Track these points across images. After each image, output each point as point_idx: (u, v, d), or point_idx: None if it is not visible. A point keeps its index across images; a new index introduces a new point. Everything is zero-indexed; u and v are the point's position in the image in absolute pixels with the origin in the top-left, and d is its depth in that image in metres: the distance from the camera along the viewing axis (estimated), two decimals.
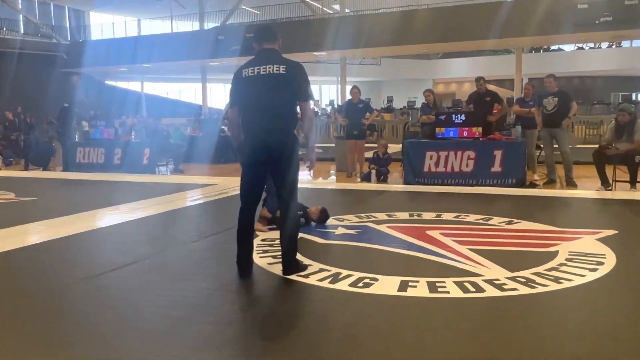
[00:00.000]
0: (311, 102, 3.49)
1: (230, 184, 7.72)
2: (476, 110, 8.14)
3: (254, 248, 4.18)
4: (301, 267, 3.61)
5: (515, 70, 20.36)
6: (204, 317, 2.80)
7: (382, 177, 8.56)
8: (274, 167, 3.45)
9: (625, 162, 6.71)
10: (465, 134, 7.67)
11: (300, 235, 4.61)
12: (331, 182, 9.11)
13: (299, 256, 3.94)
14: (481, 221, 5.09)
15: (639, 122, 6.70)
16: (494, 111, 8.57)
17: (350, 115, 9.03)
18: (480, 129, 7.60)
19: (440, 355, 2.38)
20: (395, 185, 8.09)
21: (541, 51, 30.46)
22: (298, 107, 3.51)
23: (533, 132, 8.03)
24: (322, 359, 2.33)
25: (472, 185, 7.39)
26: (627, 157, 6.62)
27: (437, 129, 7.81)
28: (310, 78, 3.57)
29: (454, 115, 7.76)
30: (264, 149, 3.39)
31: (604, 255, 3.83)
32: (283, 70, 3.35)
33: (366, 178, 8.62)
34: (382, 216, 5.44)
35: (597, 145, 7.49)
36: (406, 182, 7.96)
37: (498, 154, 7.39)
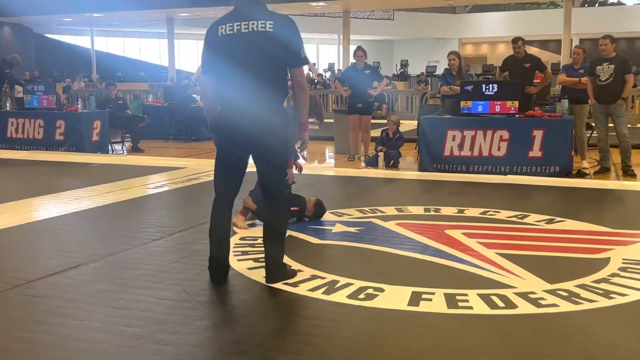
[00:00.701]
0: (305, 67, 3.47)
1: (203, 167, 7.73)
2: (512, 80, 8.13)
3: (231, 249, 4.22)
4: (289, 274, 3.63)
5: (564, 29, 20.28)
6: (165, 336, 2.81)
7: (392, 162, 8.58)
8: (256, 150, 3.44)
9: None
10: (497, 108, 7.67)
11: (290, 233, 4.66)
12: (328, 166, 9.12)
13: (286, 259, 3.97)
14: (514, 219, 5.12)
15: None
16: (535, 81, 8.59)
17: (353, 84, 9.01)
18: (516, 103, 7.60)
19: None
20: (408, 172, 8.11)
21: (596, 5, 30.40)
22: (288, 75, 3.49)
23: (583, 108, 8.03)
24: None
25: (505, 174, 7.41)
26: None
27: (462, 103, 7.81)
28: (303, 35, 3.55)
29: (483, 86, 7.75)
30: (244, 126, 3.38)
31: None
32: (270, 27, 3.33)
33: (372, 162, 8.64)
34: (390, 210, 5.46)
35: None
36: (422, 169, 7.98)
37: (538, 134, 7.40)
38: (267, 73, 3.37)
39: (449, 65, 8.60)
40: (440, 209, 5.50)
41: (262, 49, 3.33)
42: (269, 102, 3.38)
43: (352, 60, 9.33)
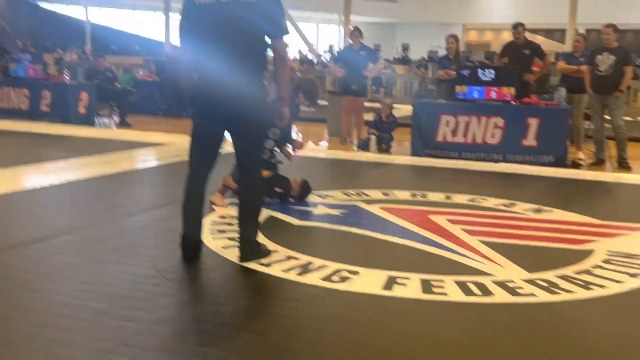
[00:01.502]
0: (286, 39, 3.40)
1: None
2: (509, 65, 8.06)
3: (206, 227, 4.18)
4: (263, 253, 3.60)
5: (569, 19, 20.17)
6: (128, 312, 2.78)
7: (385, 146, 8.52)
8: (233, 123, 3.39)
9: None
10: (493, 95, 7.61)
11: (271, 213, 4.63)
12: (319, 149, 9.07)
13: (263, 239, 3.94)
14: (502, 207, 5.09)
15: None
16: (534, 69, 8.52)
17: (348, 65, 8.93)
18: (512, 89, 7.54)
19: None
20: (400, 156, 8.07)
21: None
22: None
23: (581, 98, 7.97)
24: None
25: (498, 162, 7.37)
26: None
27: (458, 88, 7.75)
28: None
29: (480, 71, 7.68)
30: (221, 98, 3.32)
31: None
32: None
33: (364, 146, 8.59)
34: (376, 194, 5.43)
35: None
36: (414, 154, 7.94)
37: (533, 122, 7.35)
38: (246, 43, 3.30)
39: (446, 48, 8.52)
40: (427, 195, 5.47)
41: (242, 18, 3.26)
42: (247, 73, 3.32)
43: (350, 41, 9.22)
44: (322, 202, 5.07)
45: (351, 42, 8.99)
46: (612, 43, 7.48)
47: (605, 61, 7.40)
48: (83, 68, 11.32)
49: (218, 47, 3.30)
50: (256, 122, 3.41)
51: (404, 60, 22.95)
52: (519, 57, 8.22)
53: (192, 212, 3.53)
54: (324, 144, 9.47)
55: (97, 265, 3.42)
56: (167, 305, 2.90)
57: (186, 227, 3.54)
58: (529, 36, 8.63)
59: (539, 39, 30.52)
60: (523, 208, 5.06)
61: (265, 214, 4.62)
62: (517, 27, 8.27)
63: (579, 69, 7.96)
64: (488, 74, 7.60)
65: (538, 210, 5.00)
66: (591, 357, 2.55)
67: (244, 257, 3.50)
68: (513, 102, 7.56)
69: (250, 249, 3.53)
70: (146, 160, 6.97)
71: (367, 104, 9.37)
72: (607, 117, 7.62)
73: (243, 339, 2.57)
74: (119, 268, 3.36)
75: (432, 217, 4.67)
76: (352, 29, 9.06)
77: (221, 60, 3.30)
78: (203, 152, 3.51)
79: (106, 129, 10.04)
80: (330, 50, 25.89)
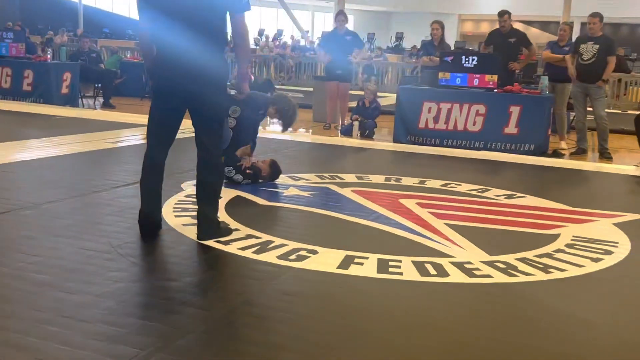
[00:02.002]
0: (246, 14, 3.34)
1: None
2: (493, 53, 8.01)
3: (170, 205, 4.14)
4: (223, 231, 3.56)
5: (563, 11, 20.10)
6: (73, 285, 2.74)
7: (367, 132, 8.47)
8: (192, 99, 3.34)
9: None
10: (476, 82, 7.56)
11: (239, 194, 4.59)
12: (302, 134, 9.01)
13: (226, 218, 3.91)
14: (474, 192, 5.05)
15: None
16: (520, 58, 8.47)
17: (333, 50, 8.85)
18: (495, 77, 7.49)
19: (356, 346, 2.34)
20: (382, 142, 8.02)
21: None
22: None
23: (565, 87, 7.91)
24: (207, 346, 2.28)
25: (479, 150, 7.33)
26: None
27: (441, 74, 7.69)
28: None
29: (463, 58, 7.63)
30: (181, 73, 3.27)
31: (617, 243, 3.81)
32: None
33: (346, 132, 8.54)
34: (350, 178, 5.39)
35: None
36: (395, 140, 7.89)
37: (515, 110, 7.31)
38: (205, 18, 3.25)
39: (431, 34, 8.45)
40: (401, 179, 5.43)
41: None
42: (206, 48, 3.26)
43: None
44: (294, 184, 5.02)
45: (335, 26, 8.90)
46: (597, 32, 7.43)
47: (589, 50, 7.35)
48: (68, 48, 11.20)
49: (177, 21, 3.25)
50: (216, 98, 3.36)
51: (398, 50, 22.83)
52: (504, 45, 8.15)
53: (150, 188, 3.48)
54: (301, 130, 9.39)
55: (52, 239, 3.37)
56: (116, 280, 2.85)
57: (144, 203, 3.49)
58: (522, 27, 8.57)
59: (533, 31, 30.52)
60: (495, 194, 5.02)
61: (232, 193, 4.58)
62: (503, 15, 8.19)
63: (563, 58, 7.91)
64: (471, 61, 7.54)
65: (510, 196, 4.97)
66: (540, 335, 2.52)
67: (202, 235, 3.46)
68: (495, 90, 7.51)
69: (210, 227, 3.48)
70: (122, 140, 6.91)
71: (351, 92, 9.31)
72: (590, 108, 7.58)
73: (186, 313, 2.53)
74: (74, 243, 3.32)
75: (402, 201, 4.64)
76: (337, 12, 8.97)
77: (180, 35, 3.25)
78: (162, 127, 3.46)
79: (88, 110, 9.95)
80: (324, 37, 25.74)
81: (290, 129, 5.25)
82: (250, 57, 3.58)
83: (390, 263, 3.24)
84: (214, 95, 3.36)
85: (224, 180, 4.76)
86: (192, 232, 3.55)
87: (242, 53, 3.39)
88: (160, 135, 3.47)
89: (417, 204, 4.55)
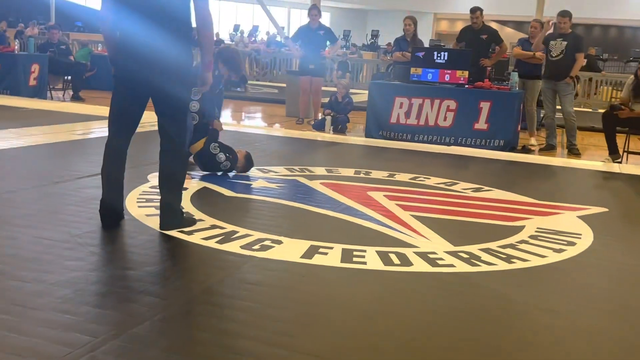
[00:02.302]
0: (210, 2, 3.30)
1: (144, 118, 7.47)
2: (464, 49, 8.04)
3: (134, 195, 4.08)
4: (186, 222, 3.51)
5: (536, 11, 20.26)
6: (28, 274, 2.68)
7: (340, 127, 8.46)
8: (154, 86, 3.28)
9: (639, 128, 6.77)
10: (447, 77, 7.59)
11: (206, 185, 4.54)
12: (273, 129, 8.98)
13: (191, 208, 3.86)
14: (442, 185, 5.07)
15: None
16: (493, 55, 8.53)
17: (306, 44, 8.82)
18: (466, 73, 7.52)
19: (316, 333, 2.32)
20: (354, 137, 8.02)
21: None
22: None
23: (535, 84, 7.99)
24: (162, 334, 2.24)
25: (450, 145, 7.36)
26: None
27: (412, 70, 7.71)
28: None
29: (435, 53, 7.65)
30: (142, 62, 3.22)
31: (580, 235, 3.84)
32: None
33: (319, 126, 8.51)
34: (320, 171, 5.37)
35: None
36: (367, 135, 7.89)
37: (485, 106, 7.35)
38: (167, 6, 3.20)
39: (404, 30, 8.46)
40: (370, 173, 5.42)
41: None
42: (168, 37, 3.21)
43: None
44: (262, 177, 4.99)
45: (309, 21, 8.87)
46: (567, 30, 7.50)
47: (557, 47, 7.43)
48: (36, 40, 10.99)
49: (138, 9, 3.20)
50: (178, 87, 3.30)
51: (373, 47, 22.86)
52: (476, 41, 8.20)
53: (112, 176, 3.43)
54: (277, 125, 9.35)
55: (9, 228, 3.29)
56: (73, 269, 2.79)
57: (105, 192, 3.44)
58: (497, 27, 8.64)
59: (507, 31, 30.81)
60: (463, 187, 5.04)
61: (198, 185, 4.53)
62: (476, 12, 8.23)
63: (534, 54, 7.98)
64: (442, 57, 7.56)
65: (478, 190, 4.99)
66: (499, 324, 2.53)
67: (164, 225, 3.41)
68: (466, 86, 7.55)
69: (172, 217, 3.44)
70: (90, 132, 6.80)
71: (324, 88, 9.28)
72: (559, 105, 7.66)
73: (144, 302, 2.48)
74: (32, 232, 3.24)
75: (371, 193, 4.63)
76: (311, 7, 8.93)
77: (142, 23, 3.20)
78: (123, 115, 3.41)
79: (57, 102, 9.77)
80: None
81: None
82: (213, 47, 3.53)
83: (355, 253, 3.23)
84: (177, 83, 3.30)
85: (191, 166, 4.76)
86: (155, 223, 3.50)
87: (206, 42, 3.34)
88: (121, 124, 3.41)
89: (385, 196, 4.54)
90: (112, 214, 3.46)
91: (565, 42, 7.37)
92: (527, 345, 2.38)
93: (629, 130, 7.00)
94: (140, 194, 4.15)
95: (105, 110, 8.61)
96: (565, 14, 7.55)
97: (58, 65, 10.15)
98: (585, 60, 15.48)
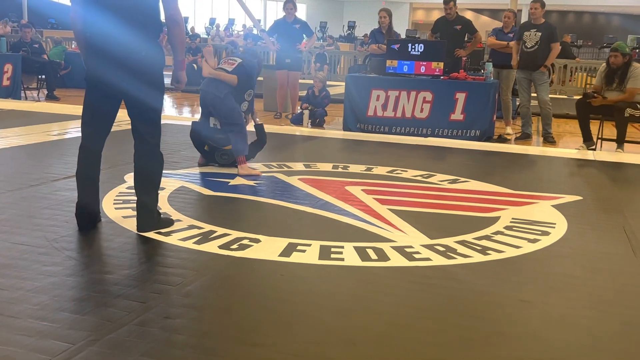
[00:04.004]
0: (180, 2, 3.28)
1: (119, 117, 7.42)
2: (438, 40, 8.09)
3: (111, 197, 4.06)
4: (163, 223, 3.51)
5: None
6: (4, 281, 2.67)
7: (317, 120, 8.47)
8: (127, 88, 3.26)
9: (612, 115, 6.86)
10: (422, 69, 7.63)
11: (183, 184, 4.53)
12: (251, 124, 8.93)
13: (168, 209, 3.86)
14: (419, 178, 5.11)
15: (634, 66, 6.82)
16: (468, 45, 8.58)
17: (282, 38, 8.80)
18: (441, 64, 7.57)
19: (292, 329, 2.35)
20: (332, 131, 8.03)
21: None
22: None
23: (510, 73, 8.06)
24: (139, 338, 2.24)
25: (427, 136, 7.41)
26: (615, 110, 6.77)
27: (388, 62, 7.73)
28: None
29: (410, 45, 7.68)
30: (112, 62, 3.20)
31: (554, 224, 3.91)
32: None
33: (296, 120, 8.52)
34: (298, 166, 5.38)
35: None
36: (345, 128, 7.92)
37: (460, 97, 7.41)
38: (136, 5, 3.19)
39: (379, 22, 8.48)
40: (348, 167, 5.45)
41: None
42: (139, 36, 3.20)
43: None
44: (240, 174, 4.98)
45: (284, 15, 8.84)
46: (539, 19, 7.57)
47: (532, 37, 7.49)
48: (8, 38, 10.82)
49: (108, 8, 3.17)
50: (150, 87, 3.29)
51: (350, 38, 22.86)
52: (450, 32, 8.24)
53: (87, 179, 3.41)
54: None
55: None
56: (50, 274, 2.78)
57: (81, 195, 3.42)
58: (472, 15, 8.69)
59: (483, 19, 31.00)
60: (440, 179, 5.09)
61: (175, 184, 4.52)
62: (449, 3, 8.26)
63: (507, 44, 8.05)
64: (417, 49, 7.60)
65: (454, 181, 5.04)
66: (475, 315, 2.56)
67: (141, 226, 3.41)
68: (441, 77, 7.59)
69: (149, 219, 3.43)
70: (65, 132, 6.74)
71: (301, 81, 9.28)
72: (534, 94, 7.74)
73: (121, 306, 2.48)
74: (7, 237, 3.22)
75: (348, 188, 4.65)
76: (286, 0, 8.90)
77: (112, 23, 3.18)
78: (96, 116, 3.39)
79: (31, 102, 9.65)
80: None
81: None
82: (185, 46, 3.52)
83: (333, 249, 3.25)
84: (149, 84, 3.30)
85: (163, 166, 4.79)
86: (132, 224, 3.49)
87: (177, 41, 3.33)
88: (95, 126, 3.39)
89: (363, 190, 4.57)
90: (88, 216, 3.45)
91: (540, 33, 7.44)
92: (501, 336, 2.43)
93: (603, 117, 7.11)
94: (116, 195, 4.13)
95: (81, 109, 8.54)
96: (536, 1, 7.61)
97: (31, 64, 10.02)
98: (560, 47, 15.72)
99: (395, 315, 2.54)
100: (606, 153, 6.73)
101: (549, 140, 7.61)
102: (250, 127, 5.45)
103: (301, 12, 8.60)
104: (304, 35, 9.03)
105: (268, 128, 7.91)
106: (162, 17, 3.35)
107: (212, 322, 2.42)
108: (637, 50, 18.47)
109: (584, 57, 22.17)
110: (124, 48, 3.18)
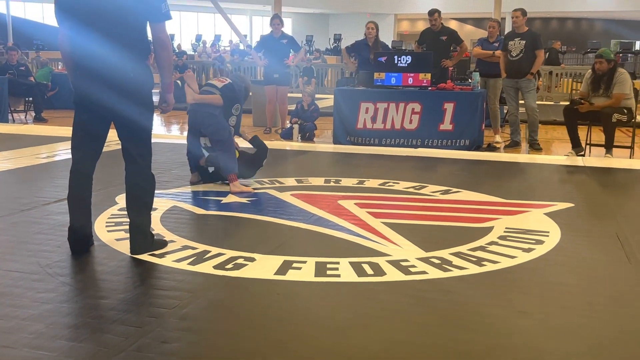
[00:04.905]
0: (168, 23, 3.29)
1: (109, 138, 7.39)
2: (425, 51, 8.15)
3: (103, 219, 4.04)
4: (157, 244, 3.49)
5: (494, 7, 20.63)
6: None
7: (307, 134, 8.49)
8: (116, 110, 3.26)
9: (600, 121, 6.91)
10: (410, 81, 7.67)
11: (175, 204, 4.52)
12: (240, 140, 8.93)
13: (162, 230, 3.84)
14: (411, 190, 5.12)
15: (619, 72, 6.90)
16: (454, 55, 8.64)
17: (270, 54, 8.83)
18: (429, 75, 7.61)
19: (290, 350, 2.33)
20: (322, 144, 8.05)
21: None
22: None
23: (497, 82, 8.11)
24: None
25: (417, 147, 7.43)
26: (602, 115, 6.82)
27: (376, 75, 7.77)
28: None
29: (396, 57, 7.72)
30: (101, 85, 3.20)
31: (548, 232, 3.92)
32: None
33: (286, 135, 8.52)
34: (290, 182, 5.38)
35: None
36: (336, 141, 7.93)
37: (449, 107, 7.45)
38: (125, 27, 3.18)
39: (365, 34, 8.51)
40: (340, 180, 5.45)
41: (117, 1, 3.14)
42: (127, 59, 3.19)
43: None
44: (232, 191, 4.97)
45: (271, 30, 8.88)
46: (522, 27, 7.65)
47: (516, 46, 7.56)
48: None
49: (96, 31, 3.17)
50: (139, 108, 3.28)
51: (336, 51, 22.95)
52: (436, 43, 8.31)
53: (79, 203, 3.39)
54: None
55: None
56: (44, 301, 2.75)
57: (73, 219, 3.39)
58: (457, 25, 8.77)
59: (468, 28, 31.26)
60: (432, 190, 5.10)
61: (167, 204, 4.51)
62: (434, 14, 8.35)
63: (493, 53, 8.11)
64: (404, 60, 7.64)
65: (446, 192, 5.06)
66: (473, 328, 2.56)
67: (134, 249, 3.39)
68: (429, 88, 7.64)
69: (143, 241, 3.41)
70: (55, 154, 6.71)
71: (290, 95, 9.30)
72: (522, 101, 7.80)
73: (118, 332, 2.46)
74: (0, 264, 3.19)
75: (341, 202, 4.65)
76: (273, 16, 8.95)
77: (100, 46, 3.17)
78: (86, 140, 3.38)
79: (19, 125, 9.61)
80: None
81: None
82: (172, 68, 3.52)
83: (328, 266, 3.25)
84: (138, 105, 3.29)
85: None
86: (125, 247, 3.47)
87: (164, 63, 3.32)
88: (85, 148, 3.38)
89: (356, 204, 4.57)
90: (81, 240, 3.42)
91: (524, 41, 7.51)
92: (500, 348, 2.43)
93: (590, 123, 7.16)
94: (108, 218, 4.11)
95: (69, 131, 8.49)
96: (517, 9, 7.71)
97: (18, 86, 9.98)
98: (547, 54, 15.85)
99: (393, 332, 2.53)
100: (595, 159, 6.78)
101: (535, 147, 7.66)
102: (246, 143, 5.50)
103: (287, 27, 8.67)
104: (291, 50, 9.07)
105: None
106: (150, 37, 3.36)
107: (211, 346, 2.40)
108: (621, 55, 18.71)
109: (569, 62, 22.39)
110: (113, 69, 3.18)
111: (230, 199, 4.77)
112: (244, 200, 4.74)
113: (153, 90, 3.39)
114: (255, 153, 5.47)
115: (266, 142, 7.94)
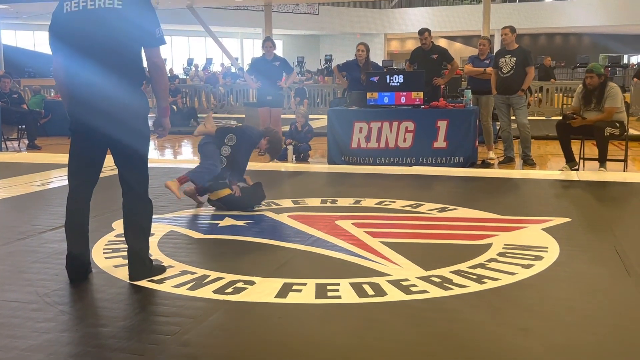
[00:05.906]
0: (161, 48, 3.30)
1: (104, 164, 7.37)
2: (416, 70, 8.21)
3: (100, 246, 4.02)
4: (156, 270, 3.47)
5: (483, 25, 20.78)
6: None
7: (302, 155, 8.50)
8: (112, 137, 3.26)
9: (593, 135, 6.96)
10: (402, 100, 7.72)
11: (172, 228, 4.50)
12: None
13: (160, 256, 3.82)
14: (408, 208, 5.12)
15: (610, 86, 6.96)
16: (445, 73, 8.71)
17: (262, 76, 8.87)
18: (421, 94, 7.67)
19: None
20: (317, 165, 8.06)
21: (516, 1, 31.42)
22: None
23: (489, 99, 8.18)
24: None
25: (411, 165, 7.46)
26: (594, 129, 6.87)
27: (369, 94, 7.82)
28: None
29: (388, 77, 7.78)
30: (97, 112, 3.20)
31: (546, 248, 3.92)
32: (118, 4, 3.14)
33: (281, 156, 8.51)
34: (286, 203, 5.37)
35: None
36: (330, 162, 7.94)
37: (442, 125, 7.49)
38: (119, 53, 3.19)
39: (356, 55, 8.57)
40: (337, 200, 5.45)
41: (111, 27, 3.15)
42: (122, 85, 3.20)
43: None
44: (229, 214, 4.96)
45: (264, 53, 8.93)
46: (512, 44, 7.73)
47: (507, 63, 7.64)
48: None
49: (90, 58, 3.18)
50: (135, 134, 3.28)
51: (328, 72, 23.09)
52: (427, 61, 8.38)
53: (76, 231, 3.37)
54: None
55: None
56: (43, 331, 2.73)
57: (70, 247, 3.37)
58: (446, 43, 8.86)
59: (457, 46, 31.56)
60: (428, 208, 5.11)
61: (165, 229, 4.49)
62: (424, 33, 8.43)
63: (484, 70, 8.19)
64: (396, 80, 7.70)
65: (443, 210, 5.06)
66: (475, 348, 2.55)
67: (133, 275, 3.36)
68: (422, 106, 7.68)
69: (141, 267, 3.39)
70: (49, 182, 6.68)
71: (283, 116, 9.33)
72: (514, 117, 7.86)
73: None
74: None
75: (339, 222, 4.65)
76: (265, 39, 9.00)
77: (94, 72, 3.18)
78: (83, 167, 3.36)
79: (13, 153, 9.59)
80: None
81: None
82: (167, 93, 3.53)
83: (329, 287, 3.23)
84: (134, 132, 3.29)
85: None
86: (123, 274, 3.44)
87: (160, 88, 3.33)
88: (81, 175, 3.37)
89: (353, 224, 4.57)
90: (79, 268, 3.40)
91: (515, 58, 7.59)
92: None
93: (583, 137, 7.21)
94: (106, 244, 4.09)
95: (63, 158, 8.49)
96: (506, 27, 7.80)
97: (11, 114, 9.98)
98: (537, 70, 16.01)
99: (396, 353, 2.52)
100: (590, 173, 6.81)
101: (528, 162, 7.70)
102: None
103: (278, 48, 8.74)
104: (284, 72, 9.12)
105: (252, 165, 7.94)
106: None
107: None
108: (610, 69, 18.91)
109: (559, 77, 22.57)
110: (108, 97, 3.18)
111: (227, 222, 4.76)
112: (240, 223, 4.72)
113: (148, 115, 3.40)
114: (253, 191, 5.31)
115: (261, 164, 8.00)
